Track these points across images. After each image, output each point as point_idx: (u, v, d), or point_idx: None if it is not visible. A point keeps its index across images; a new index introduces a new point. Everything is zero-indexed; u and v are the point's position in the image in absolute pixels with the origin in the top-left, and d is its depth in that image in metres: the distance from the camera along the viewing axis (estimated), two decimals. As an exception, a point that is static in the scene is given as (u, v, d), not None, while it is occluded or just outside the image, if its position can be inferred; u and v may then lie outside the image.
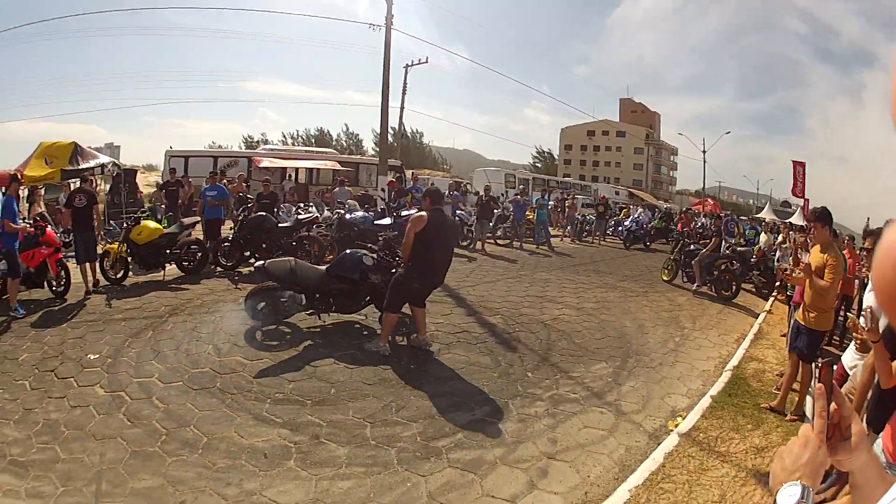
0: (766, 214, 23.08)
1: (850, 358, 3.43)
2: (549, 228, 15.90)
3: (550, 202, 18.08)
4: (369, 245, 6.37)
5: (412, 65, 26.56)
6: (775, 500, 0.79)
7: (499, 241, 15.24)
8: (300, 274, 5.69)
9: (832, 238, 4.62)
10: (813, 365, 4.56)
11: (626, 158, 63.38)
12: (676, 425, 4.19)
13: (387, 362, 5.08)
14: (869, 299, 3.29)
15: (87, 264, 7.16)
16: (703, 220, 21.00)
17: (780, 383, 4.94)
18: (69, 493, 2.96)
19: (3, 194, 6.31)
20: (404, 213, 10.67)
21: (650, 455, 3.68)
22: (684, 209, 24.52)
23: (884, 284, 0.49)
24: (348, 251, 6.18)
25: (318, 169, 19.31)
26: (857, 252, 8.01)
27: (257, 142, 45.95)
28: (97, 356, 4.89)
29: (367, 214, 10.83)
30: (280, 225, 9.26)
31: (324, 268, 6.01)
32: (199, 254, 8.44)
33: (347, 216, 10.29)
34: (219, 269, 8.70)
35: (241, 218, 9.03)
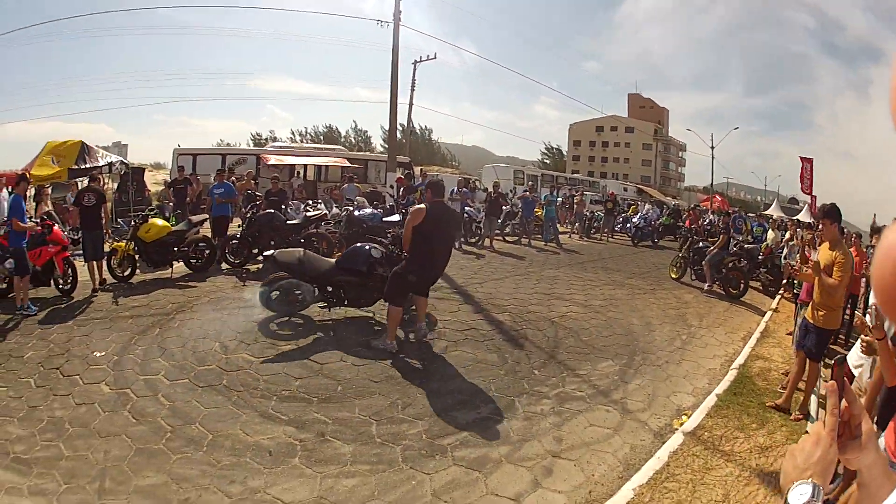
0: (774, 211, 22.83)
1: (856, 357, 3.38)
2: (558, 225, 15.83)
3: (559, 199, 18.01)
4: (378, 240, 6.40)
5: (420, 61, 26.60)
6: (786, 500, 0.79)
7: (507, 238, 15.20)
8: (309, 265, 5.74)
9: (840, 236, 4.56)
10: (823, 364, 4.52)
11: (635, 154, 62.94)
12: (681, 424, 4.16)
13: (394, 359, 5.08)
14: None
15: (95, 262, 7.22)
16: (711, 216, 20.85)
17: (785, 382, 4.90)
18: (72, 490, 2.97)
19: (11, 193, 6.38)
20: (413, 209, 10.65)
21: (655, 454, 3.66)
22: (692, 206, 24.35)
23: (884, 285, 0.48)
24: (358, 244, 6.24)
25: (327, 166, 19.23)
26: (864, 250, 7.93)
27: (265, 139, 46.16)
28: (103, 354, 4.93)
29: (375, 211, 10.79)
30: (288, 222, 9.30)
31: (333, 260, 6.07)
32: (207, 251, 8.48)
33: (356, 213, 10.27)
34: (226, 266, 8.74)
35: (249, 215, 9.07)
